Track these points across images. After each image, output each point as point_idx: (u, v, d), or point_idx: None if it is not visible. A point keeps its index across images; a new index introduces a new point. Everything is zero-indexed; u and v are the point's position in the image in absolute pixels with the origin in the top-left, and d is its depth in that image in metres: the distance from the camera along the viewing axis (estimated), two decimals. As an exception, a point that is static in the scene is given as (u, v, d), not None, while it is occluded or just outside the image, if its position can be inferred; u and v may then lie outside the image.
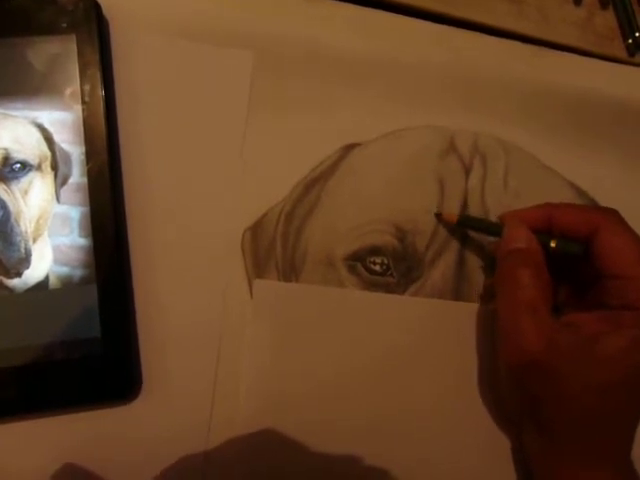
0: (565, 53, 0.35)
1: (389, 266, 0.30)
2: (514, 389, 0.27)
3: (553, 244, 0.27)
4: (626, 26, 0.36)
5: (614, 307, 0.26)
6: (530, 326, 0.25)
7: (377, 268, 0.29)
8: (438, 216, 0.30)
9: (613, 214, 0.27)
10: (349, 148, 0.30)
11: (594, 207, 0.29)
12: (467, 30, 0.33)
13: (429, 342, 0.30)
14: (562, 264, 0.28)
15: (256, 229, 0.29)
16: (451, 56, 0.33)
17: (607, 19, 0.36)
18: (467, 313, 0.30)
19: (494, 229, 0.29)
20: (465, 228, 0.30)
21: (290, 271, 0.29)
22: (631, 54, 0.36)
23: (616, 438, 0.25)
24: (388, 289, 0.30)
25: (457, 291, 0.30)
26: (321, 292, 0.29)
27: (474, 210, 0.31)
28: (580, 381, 0.24)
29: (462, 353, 0.30)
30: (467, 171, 0.31)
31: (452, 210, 0.31)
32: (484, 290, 0.30)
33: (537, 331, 0.25)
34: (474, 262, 0.31)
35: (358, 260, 0.29)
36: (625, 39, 0.36)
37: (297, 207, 0.29)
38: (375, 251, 0.30)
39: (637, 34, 0.35)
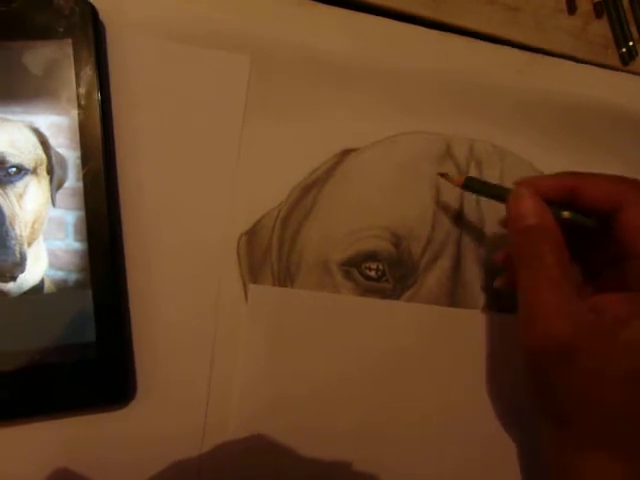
0: (560, 60, 0.35)
1: (384, 272, 0.30)
2: (534, 378, 0.25)
3: (566, 215, 0.25)
4: (620, 35, 0.36)
5: (636, 289, 0.24)
6: (553, 309, 0.23)
7: (372, 274, 0.30)
8: (443, 175, 0.29)
9: (639, 187, 0.25)
10: (345, 153, 0.31)
11: (618, 178, 0.26)
12: (463, 36, 0.34)
13: (424, 348, 0.30)
14: (581, 242, 0.27)
15: (252, 234, 0.29)
16: (447, 62, 0.33)
17: (601, 28, 0.37)
18: (462, 319, 0.30)
19: (504, 194, 0.27)
20: (472, 192, 0.29)
21: (285, 276, 0.29)
22: (625, 63, 0.36)
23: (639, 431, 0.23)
24: (383, 295, 0.30)
25: (452, 296, 0.30)
26: (316, 297, 0.29)
27: (469, 215, 0.31)
28: (605, 367, 0.23)
29: (457, 358, 0.30)
30: (463, 177, 0.31)
31: (448, 216, 0.31)
32: (479, 295, 0.31)
33: (563, 313, 0.23)
34: (470, 267, 0.31)
35: (353, 266, 0.30)
36: (619, 48, 0.36)
37: (293, 212, 0.30)
38: (370, 257, 0.30)
39: (631, 43, 0.36)
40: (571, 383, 0.23)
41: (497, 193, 0.28)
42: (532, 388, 0.26)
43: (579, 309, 0.23)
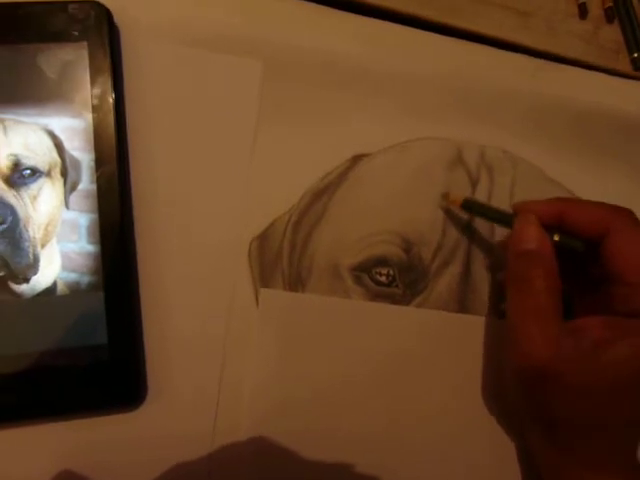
0: (570, 67, 0.35)
1: (395, 277, 0.30)
2: (520, 393, 0.27)
3: (556, 238, 0.27)
4: (632, 40, 0.36)
5: (618, 312, 0.26)
6: (538, 333, 0.25)
7: (383, 279, 0.30)
8: (444, 195, 0.30)
9: (627, 214, 0.27)
10: (357, 159, 0.31)
11: (607, 205, 0.27)
12: (474, 43, 0.34)
13: (433, 353, 0.30)
14: (568, 262, 0.28)
15: (263, 238, 0.29)
16: (458, 68, 0.33)
17: (613, 33, 0.36)
18: (472, 325, 0.30)
19: (502, 217, 0.28)
20: (471, 213, 0.30)
21: (296, 281, 0.29)
22: (636, 68, 0.36)
23: (622, 441, 0.25)
24: (394, 300, 0.30)
25: (462, 302, 0.30)
26: (327, 302, 0.29)
27: (480, 222, 0.31)
28: (586, 386, 0.24)
29: (466, 364, 0.30)
30: (474, 183, 0.31)
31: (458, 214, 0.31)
32: (490, 301, 0.31)
33: (545, 338, 0.25)
34: (480, 273, 0.31)
35: (364, 271, 0.30)
36: (630, 53, 0.36)
37: (304, 217, 0.30)
38: (381, 262, 0.30)
39: (643, 48, 0.36)
40: (552, 400, 0.25)
41: (495, 216, 0.29)
42: (520, 404, 0.27)
43: (560, 334, 0.25)
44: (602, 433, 0.25)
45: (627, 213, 0.27)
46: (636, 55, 0.36)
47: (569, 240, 0.27)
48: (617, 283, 0.26)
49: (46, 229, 0.26)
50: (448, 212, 0.31)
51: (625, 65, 0.36)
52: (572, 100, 0.34)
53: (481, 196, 0.31)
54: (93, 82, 0.27)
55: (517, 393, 0.27)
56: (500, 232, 0.31)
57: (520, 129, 0.33)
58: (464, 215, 0.31)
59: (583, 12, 0.36)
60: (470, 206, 0.30)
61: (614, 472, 0.25)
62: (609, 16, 0.36)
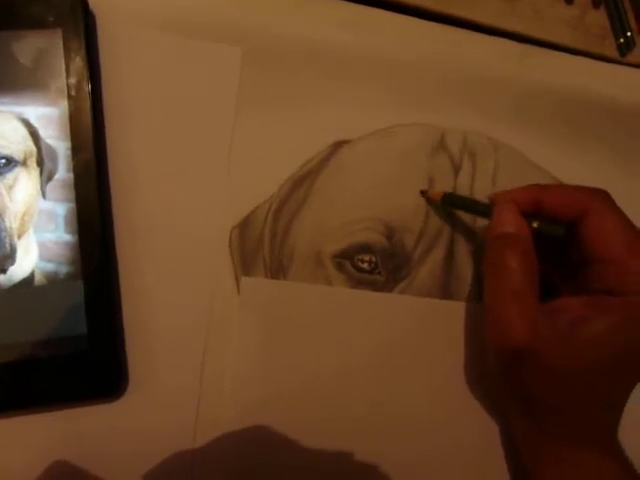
0: (556, 52, 0.35)
1: (377, 264, 0.30)
2: (500, 372, 0.27)
3: (535, 225, 0.27)
4: (618, 26, 0.36)
5: (597, 291, 0.26)
6: (515, 313, 0.25)
7: (365, 266, 0.29)
8: (423, 193, 0.30)
9: (603, 196, 0.27)
10: (338, 145, 0.30)
11: (583, 188, 0.28)
12: (459, 28, 0.33)
13: (417, 340, 0.30)
14: (550, 247, 0.28)
15: (244, 226, 0.29)
16: (442, 54, 0.32)
17: (599, 18, 0.36)
18: (455, 311, 0.30)
19: (481, 209, 0.29)
20: (451, 207, 0.30)
21: (278, 268, 0.29)
22: (622, 54, 0.36)
23: (600, 420, 0.26)
24: (376, 287, 0.30)
25: (445, 288, 0.30)
26: (309, 290, 0.29)
27: (463, 208, 0.31)
28: (563, 365, 0.25)
29: (450, 350, 0.30)
30: (456, 169, 0.31)
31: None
32: (472, 287, 0.30)
33: (522, 318, 0.25)
34: (462, 259, 0.31)
35: (346, 258, 0.29)
36: (617, 39, 0.36)
37: (285, 204, 0.29)
38: (363, 249, 0.30)
39: (629, 34, 0.35)
40: (530, 379, 0.25)
41: (474, 208, 0.29)
42: (502, 380, 0.28)
43: (537, 314, 0.25)
44: (578, 412, 0.25)
45: (603, 194, 0.27)
46: (622, 41, 0.36)
47: (548, 226, 0.27)
48: (593, 262, 0.26)
49: (23, 219, 0.26)
50: (431, 197, 0.31)
51: (611, 51, 0.36)
52: (558, 86, 0.34)
53: (464, 182, 0.31)
54: (68, 69, 0.26)
55: (497, 372, 0.28)
56: (482, 218, 0.31)
57: (505, 115, 0.33)
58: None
59: (569, -4, 0.36)
60: (450, 200, 0.30)
61: (590, 449, 0.25)
62: (595, 1, 0.36)
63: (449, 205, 0.30)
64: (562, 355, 0.24)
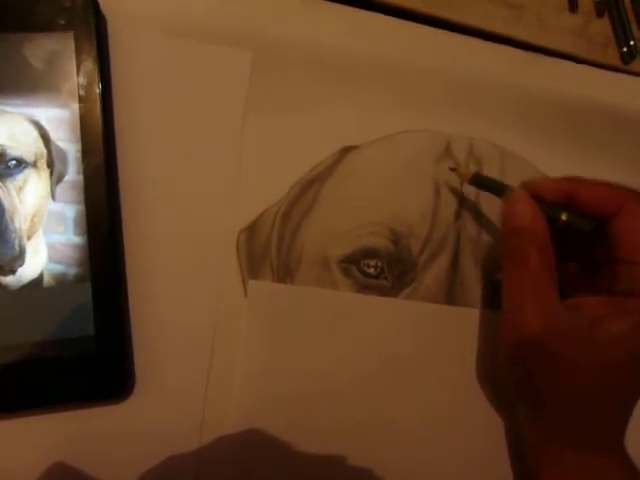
0: (560, 60, 0.35)
1: (383, 269, 0.30)
2: (511, 364, 0.27)
3: (564, 217, 0.27)
4: (621, 34, 0.36)
5: (620, 292, 0.26)
6: (533, 306, 0.25)
7: (371, 271, 0.30)
8: (453, 170, 0.30)
9: (638, 197, 0.27)
10: (346, 151, 0.31)
11: (619, 187, 0.27)
12: (465, 35, 0.34)
13: (421, 345, 0.30)
14: (574, 243, 0.28)
15: (252, 230, 0.29)
16: (449, 61, 0.33)
17: (603, 27, 0.36)
18: (459, 317, 0.30)
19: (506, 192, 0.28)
20: (478, 188, 0.30)
21: (285, 272, 0.29)
22: (625, 62, 0.36)
23: (608, 424, 0.26)
24: (382, 292, 0.30)
25: (450, 294, 0.30)
26: (315, 294, 0.29)
27: (468, 214, 0.31)
28: (577, 362, 0.24)
29: (455, 356, 0.30)
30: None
31: (448, 217, 0.31)
32: (477, 293, 0.31)
33: (538, 313, 0.25)
34: (468, 265, 0.31)
35: (353, 262, 0.30)
36: (620, 47, 0.36)
37: (293, 208, 0.30)
38: (370, 254, 0.30)
39: (632, 42, 0.36)
40: (541, 374, 0.25)
41: (503, 191, 0.28)
42: (512, 376, 0.27)
43: (556, 310, 0.25)
44: (587, 413, 0.25)
45: (638, 195, 0.27)
46: (625, 49, 0.36)
47: (577, 219, 0.27)
48: (619, 262, 0.26)
49: (32, 220, 0.26)
50: (438, 203, 0.31)
51: (614, 59, 0.36)
52: (562, 93, 0.34)
53: (470, 188, 0.31)
54: (79, 72, 0.27)
55: (508, 367, 0.27)
56: (489, 224, 0.31)
57: (510, 122, 0.33)
58: (453, 206, 0.31)
59: (574, 6, 0.36)
60: (478, 181, 0.29)
61: (597, 454, 0.25)
62: (599, 10, 0.36)
63: (477, 187, 0.30)
64: (577, 352, 0.24)
